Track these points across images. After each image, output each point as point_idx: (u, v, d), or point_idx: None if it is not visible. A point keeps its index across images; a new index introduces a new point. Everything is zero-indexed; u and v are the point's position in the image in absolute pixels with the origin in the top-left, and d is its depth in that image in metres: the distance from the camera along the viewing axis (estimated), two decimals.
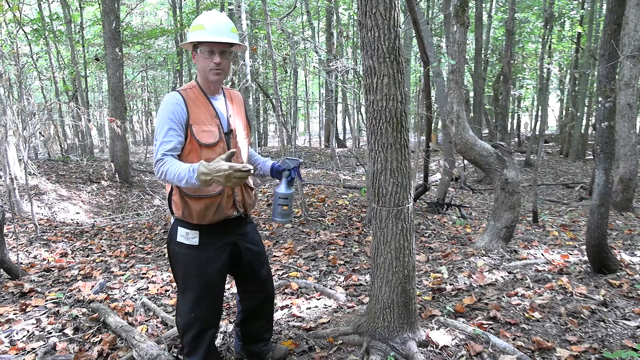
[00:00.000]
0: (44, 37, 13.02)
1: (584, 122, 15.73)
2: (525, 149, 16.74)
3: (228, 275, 2.14)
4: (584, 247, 3.28)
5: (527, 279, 3.12)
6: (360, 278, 3.53)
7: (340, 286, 3.38)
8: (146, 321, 2.91)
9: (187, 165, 1.74)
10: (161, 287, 3.56)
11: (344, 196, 6.88)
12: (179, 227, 1.95)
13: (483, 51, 13.60)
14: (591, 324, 2.42)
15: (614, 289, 2.83)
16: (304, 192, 6.61)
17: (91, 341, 2.65)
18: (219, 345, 2.51)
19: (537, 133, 17.10)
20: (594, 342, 2.25)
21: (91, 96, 21.94)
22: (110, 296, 3.32)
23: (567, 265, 3.35)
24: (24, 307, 3.11)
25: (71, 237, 5.47)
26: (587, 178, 11.60)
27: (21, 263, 4.18)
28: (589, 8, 13.90)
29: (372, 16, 1.95)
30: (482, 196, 9.91)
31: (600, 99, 3.02)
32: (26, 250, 4.80)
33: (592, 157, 14.71)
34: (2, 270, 3.78)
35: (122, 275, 3.92)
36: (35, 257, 4.59)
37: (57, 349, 2.56)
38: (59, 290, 3.52)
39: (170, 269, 2.09)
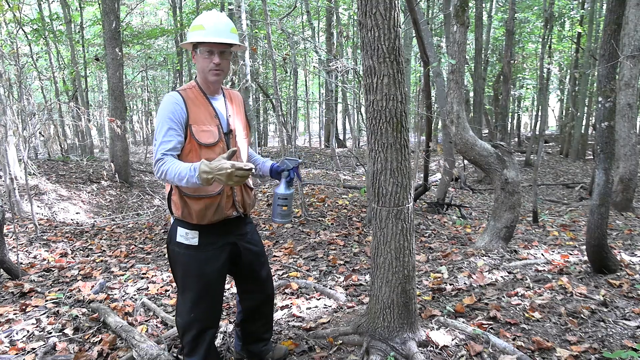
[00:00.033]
0: (44, 37, 13.02)
1: (584, 122, 15.72)
2: (525, 149, 16.75)
3: (228, 275, 2.14)
4: (584, 247, 3.28)
5: (527, 279, 3.12)
6: (360, 278, 3.53)
7: (340, 286, 3.38)
8: (146, 321, 2.91)
9: (187, 164, 1.74)
10: (161, 287, 3.56)
11: (344, 196, 6.88)
12: (178, 227, 1.95)
13: (483, 51, 13.60)
14: (591, 324, 2.42)
15: (614, 289, 2.83)
16: (304, 192, 6.61)
17: (91, 341, 2.65)
18: (219, 345, 2.51)
19: (537, 133, 17.10)
20: (594, 342, 2.25)
21: (91, 96, 21.95)
22: (110, 296, 3.32)
23: (567, 265, 3.35)
24: (24, 307, 3.11)
25: (71, 237, 5.47)
26: (587, 178, 11.60)
27: (21, 263, 4.18)
28: (589, 8, 13.89)
29: (372, 16, 1.95)
30: (482, 196, 9.91)
31: (600, 99, 3.02)
32: (26, 250, 4.80)
33: (592, 157, 14.71)
34: (2, 270, 3.78)
35: (122, 275, 3.92)
36: (35, 257, 4.59)
37: (57, 349, 2.56)
38: (59, 290, 3.52)
39: (170, 269, 2.08)
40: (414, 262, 2.22)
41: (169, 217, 2.08)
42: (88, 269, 4.11)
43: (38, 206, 7.06)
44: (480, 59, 12.86)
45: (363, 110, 6.04)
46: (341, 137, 22.24)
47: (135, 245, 5.13)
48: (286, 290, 3.33)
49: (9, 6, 9.08)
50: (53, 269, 4.11)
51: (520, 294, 2.85)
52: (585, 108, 15.69)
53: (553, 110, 21.96)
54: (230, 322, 2.76)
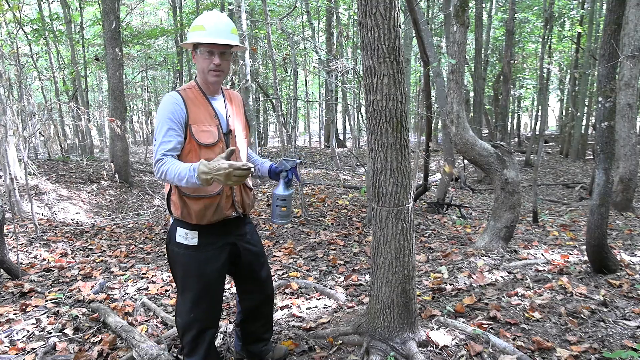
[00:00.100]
0: (44, 37, 13.02)
1: (584, 122, 15.73)
2: (525, 149, 16.75)
3: (227, 275, 2.14)
4: (584, 247, 3.28)
5: (527, 279, 3.12)
6: (360, 278, 3.53)
7: (340, 286, 3.38)
8: (146, 321, 2.91)
9: (187, 164, 1.74)
10: (161, 287, 3.56)
11: (344, 196, 6.88)
12: (177, 228, 1.95)
13: (483, 51, 13.60)
14: (591, 324, 2.42)
15: (614, 289, 2.83)
16: (304, 192, 6.61)
17: (91, 341, 2.65)
18: (219, 345, 2.51)
19: (537, 133, 17.10)
20: (594, 342, 2.25)
21: (91, 96, 21.95)
22: (110, 296, 3.32)
23: (567, 265, 3.35)
24: (24, 307, 3.11)
25: (71, 237, 5.47)
26: (587, 178, 11.60)
27: (21, 263, 4.18)
28: (589, 8, 13.89)
29: (372, 16, 1.95)
30: (482, 196, 9.91)
31: (600, 99, 3.02)
32: (26, 250, 4.80)
33: (592, 157, 14.71)
34: (2, 270, 3.78)
35: (122, 275, 3.92)
36: (35, 257, 4.59)
37: (57, 349, 2.56)
38: (59, 290, 3.52)
39: (169, 269, 2.09)
40: (414, 262, 2.22)
41: (169, 217, 2.07)
42: (88, 269, 4.11)
43: (38, 206, 7.06)
44: (480, 59, 12.87)
45: (363, 110, 6.04)
46: (341, 137, 22.24)
47: (135, 245, 5.13)
48: (286, 290, 3.33)
49: (9, 6, 9.08)
50: (53, 269, 4.11)
51: (520, 294, 2.85)
52: (585, 108, 15.69)
53: (553, 110, 21.96)
54: (230, 322, 2.76)
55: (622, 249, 3.97)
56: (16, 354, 2.50)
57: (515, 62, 15.84)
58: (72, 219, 7.05)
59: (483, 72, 13.93)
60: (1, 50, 8.47)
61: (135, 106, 26.25)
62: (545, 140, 19.04)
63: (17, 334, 2.71)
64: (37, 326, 2.80)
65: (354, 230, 5.08)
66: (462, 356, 2.17)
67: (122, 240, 5.44)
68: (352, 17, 15.65)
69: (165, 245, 2.68)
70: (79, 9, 13.95)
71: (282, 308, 3.01)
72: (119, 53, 9.04)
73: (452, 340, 2.29)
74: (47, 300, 3.23)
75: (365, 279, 3.48)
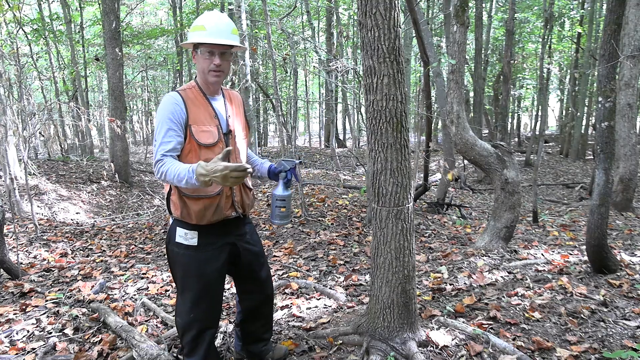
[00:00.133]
0: (44, 37, 13.02)
1: (584, 122, 15.73)
2: (525, 149, 16.75)
3: (227, 275, 2.14)
4: (584, 247, 3.28)
5: (527, 279, 3.12)
6: (360, 278, 3.53)
7: (340, 286, 3.38)
8: (146, 321, 2.91)
9: (186, 165, 1.74)
10: (161, 287, 3.56)
11: (344, 196, 6.88)
12: (177, 228, 1.95)
13: (483, 51, 13.60)
14: (591, 324, 2.42)
15: (614, 289, 2.83)
16: (304, 192, 6.61)
17: (91, 341, 2.65)
18: (219, 345, 2.51)
19: (537, 133, 17.10)
20: (594, 342, 2.25)
21: (91, 96, 21.95)
22: (110, 296, 3.32)
23: (567, 265, 3.35)
24: (24, 307, 3.11)
25: (71, 237, 5.47)
26: (587, 178, 11.60)
27: (21, 263, 4.18)
28: (589, 8, 13.89)
29: (372, 16, 1.95)
30: (482, 196, 9.91)
31: (600, 99, 3.02)
32: (26, 250, 4.80)
33: (592, 157, 14.71)
34: (2, 270, 3.78)
35: (122, 275, 3.92)
36: (35, 257, 4.59)
37: (57, 349, 2.56)
38: (59, 290, 3.52)
39: (169, 269, 2.09)
40: (414, 262, 2.22)
41: (168, 217, 2.08)
42: (88, 269, 4.11)
43: (38, 206, 7.06)
44: (480, 59, 12.87)
45: (363, 110, 6.04)
46: (341, 137, 22.24)
47: (135, 245, 5.13)
48: (286, 290, 3.33)
49: (9, 6, 9.07)
50: (53, 269, 4.11)
51: (520, 294, 2.85)
52: (585, 108, 15.69)
53: (553, 110, 21.96)
54: (230, 322, 2.76)
55: (622, 249, 3.97)
56: (16, 354, 2.50)
57: (515, 62, 15.84)
58: (72, 219, 7.05)
59: (483, 72, 13.93)
60: (1, 50, 8.47)
61: (135, 106, 26.26)
62: (545, 140, 19.04)
63: (17, 334, 2.71)
64: (37, 326, 2.80)
65: (354, 230, 5.08)
66: (462, 356, 2.17)
67: (122, 240, 5.44)
68: (352, 17, 15.65)
69: (165, 245, 2.68)
70: (79, 9, 13.95)
71: (282, 308, 3.01)
72: (119, 53, 9.04)
73: (452, 340, 2.29)
74: (47, 300, 3.23)
75: (365, 279, 3.48)
